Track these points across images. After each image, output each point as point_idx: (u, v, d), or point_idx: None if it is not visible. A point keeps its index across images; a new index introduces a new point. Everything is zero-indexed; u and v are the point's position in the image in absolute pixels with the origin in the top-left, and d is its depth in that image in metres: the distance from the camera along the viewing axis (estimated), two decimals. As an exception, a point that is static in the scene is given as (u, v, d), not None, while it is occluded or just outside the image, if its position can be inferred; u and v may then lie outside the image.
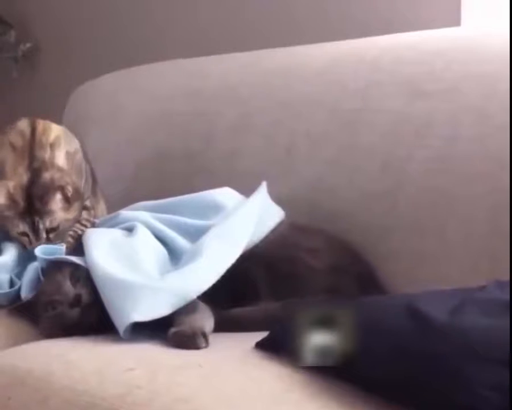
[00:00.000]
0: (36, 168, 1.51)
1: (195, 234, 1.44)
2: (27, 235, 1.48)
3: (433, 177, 1.50)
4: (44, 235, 1.48)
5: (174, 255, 1.44)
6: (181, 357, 1.16)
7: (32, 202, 1.48)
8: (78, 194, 1.53)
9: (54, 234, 1.48)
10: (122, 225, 1.50)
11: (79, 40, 2.60)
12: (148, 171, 1.89)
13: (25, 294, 1.42)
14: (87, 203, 1.60)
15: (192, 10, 2.34)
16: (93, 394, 1.08)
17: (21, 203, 1.47)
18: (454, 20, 1.85)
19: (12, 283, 1.47)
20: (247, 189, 1.56)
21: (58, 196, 1.49)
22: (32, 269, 1.43)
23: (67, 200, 1.50)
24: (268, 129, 1.74)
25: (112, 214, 1.58)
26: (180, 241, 1.46)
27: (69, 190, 1.50)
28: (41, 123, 1.57)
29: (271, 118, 1.75)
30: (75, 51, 2.60)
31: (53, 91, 2.54)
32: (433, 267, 1.47)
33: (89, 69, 2.27)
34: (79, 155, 1.60)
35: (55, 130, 1.58)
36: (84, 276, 1.34)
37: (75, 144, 1.60)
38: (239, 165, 1.75)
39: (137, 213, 1.53)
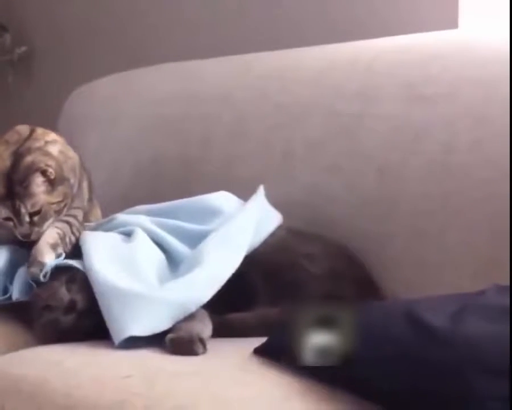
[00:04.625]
0: (20, 154, 1.48)
1: (193, 240, 1.43)
2: (11, 220, 1.47)
3: (431, 184, 1.49)
4: (26, 219, 1.45)
5: (173, 261, 1.43)
6: (179, 363, 1.15)
7: (14, 187, 1.46)
8: (62, 178, 1.50)
9: (37, 217, 1.46)
10: (120, 229, 1.49)
11: (74, 44, 2.59)
12: (145, 175, 1.87)
13: (16, 296, 1.40)
14: (85, 204, 1.58)
15: (188, 13, 2.33)
16: (89, 402, 1.07)
17: (2, 189, 1.46)
18: (452, 21, 1.84)
19: (6, 290, 1.46)
20: (244, 195, 1.56)
21: (40, 179, 1.46)
22: (24, 271, 1.42)
23: (50, 183, 1.47)
24: (265, 134, 1.73)
25: (107, 218, 1.57)
26: (179, 246, 1.45)
27: (51, 173, 1.47)
28: (40, 129, 1.56)
29: (267, 122, 1.74)
30: (70, 55, 2.59)
31: (49, 95, 2.53)
32: (432, 274, 1.46)
33: (84, 72, 2.26)
34: (75, 160, 1.58)
35: (54, 135, 1.57)
36: (80, 280, 1.33)
37: (71, 152, 1.59)
38: (236, 171, 1.73)
39: (135, 217, 1.52)
